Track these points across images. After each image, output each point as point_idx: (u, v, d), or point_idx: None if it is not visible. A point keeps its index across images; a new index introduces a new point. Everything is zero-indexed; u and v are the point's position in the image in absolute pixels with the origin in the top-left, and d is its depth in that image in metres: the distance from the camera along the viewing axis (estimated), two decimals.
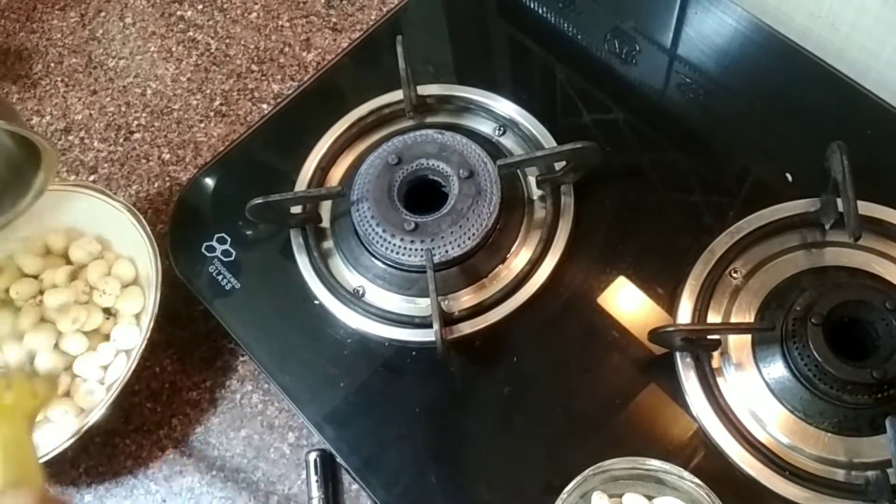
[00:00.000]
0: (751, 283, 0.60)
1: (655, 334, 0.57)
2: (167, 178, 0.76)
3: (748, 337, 0.58)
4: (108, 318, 0.67)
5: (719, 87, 0.70)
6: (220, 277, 0.66)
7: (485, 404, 0.60)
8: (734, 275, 0.60)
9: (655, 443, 0.56)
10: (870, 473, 0.53)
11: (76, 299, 0.66)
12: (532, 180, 0.65)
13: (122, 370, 0.63)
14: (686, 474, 0.51)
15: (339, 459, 0.59)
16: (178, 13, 0.85)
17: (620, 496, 0.52)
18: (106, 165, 0.78)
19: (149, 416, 0.66)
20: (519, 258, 0.62)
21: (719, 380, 0.57)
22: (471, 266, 0.62)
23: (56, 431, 0.63)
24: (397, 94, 0.69)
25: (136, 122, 0.80)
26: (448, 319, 0.60)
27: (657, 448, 0.56)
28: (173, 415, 0.66)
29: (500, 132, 0.68)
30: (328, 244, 0.65)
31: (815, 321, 0.53)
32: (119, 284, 0.67)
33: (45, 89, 0.83)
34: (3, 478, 0.51)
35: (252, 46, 0.82)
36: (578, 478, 0.51)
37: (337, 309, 0.62)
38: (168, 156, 0.77)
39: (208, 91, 0.80)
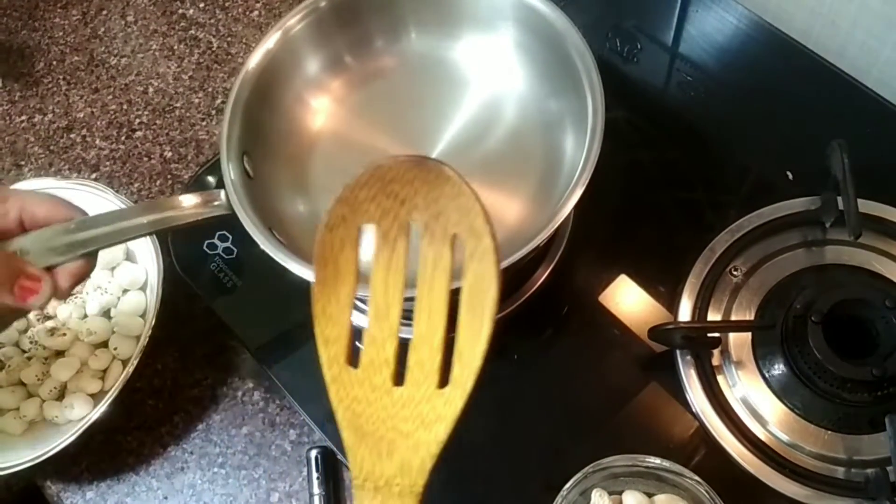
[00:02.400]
0: (751, 281, 0.60)
1: (656, 332, 0.57)
2: (169, 177, 0.76)
3: (748, 335, 0.58)
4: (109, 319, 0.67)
5: (720, 85, 0.70)
6: (221, 275, 0.66)
7: (485, 401, 0.60)
8: (734, 273, 0.60)
9: (655, 440, 0.56)
10: (869, 471, 0.53)
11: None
12: None
13: (123, 368, 0.64)
14: (686, 472, 0.51)
15: (340, 456, 0.59)
16: (180, 11, 0.85)
17: (620, 493, 0.52)
18: (108, 164, 0.78)
19: (150, 414, 0.66)
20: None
21: (719, 377, 0.57)
22: None
23: (57, 428, 0.63)
24: None
25: (137, 121, 0.80)
26: (450, 318, 0.60)
27: (657, 445, 0.56)
28: (175, 412, 0.66)
29: None
30: None
31: (815, 319, 0.53)
32: (121, 288, 0.68)
33: (46, 87, 0.83)
34: None
35: (253, 44, 0.82)
36: (578, 475, 0.51)
37: None
38: (170, 154, 0.77)
39: (210, 89, 0.80)
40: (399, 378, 0.37)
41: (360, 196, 0.38)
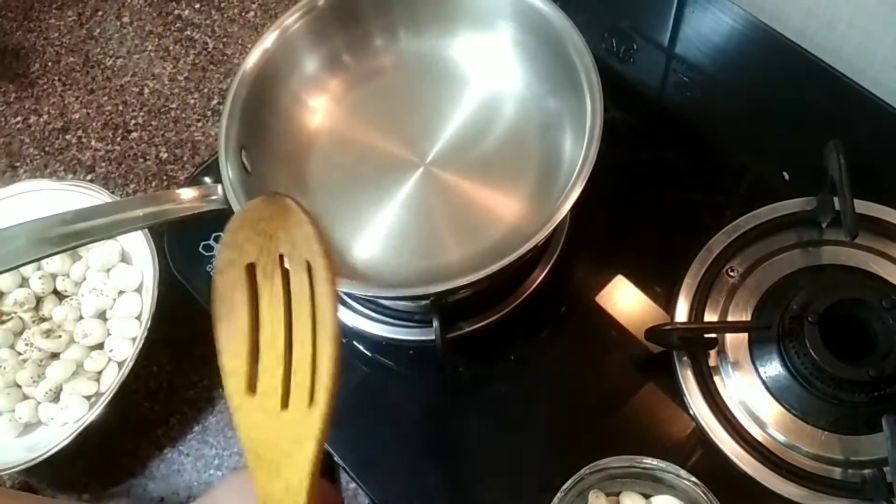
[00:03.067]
0: (748, 282, 0.60)
1: (652, 333, 0.57)
2: (164, 178, 0.76)
3: (745, 335, 0.58)
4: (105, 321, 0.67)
5: (717, 85, 0.70)
6: None
7: (482, 403, 0.60)
8: (731, 273, 0.60)
9: (652, 441, 0.56)
10: (866, 471, 0.53)
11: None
12: None
13: (119, 369, 0.63)
14: (683, 472, 0.51)
15: (336, 458, 0.59)
16: (176, 12, 0.85)
17: (617, 495, 0.52)
18: (103, 165, 0.77)
19: (146, 415, 0.66)
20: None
21: (716, 378, 0.57)
22: None
23: (53, 430, 0.63)
24: None
25: (133, 122, 0.79)
26: (447, 318, 0.60)
27: (654, 446, 0.56)
28: (171, 414, 0.66)
29: None
30: None
31: (811, 319, 0.53)
32: (117, 289, 0.67)
33: (42, 88, 0.82)
34: None
35: (249, 45, 0.82)
36: (575, 476, 0.51)
37: None
38: (165, 155, 0.77)
39: (206, 90, 0.80)
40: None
41: (240, 238, 0.40)
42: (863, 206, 0.59)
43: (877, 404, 0.53)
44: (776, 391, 0.56)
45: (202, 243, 0.67)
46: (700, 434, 0.56)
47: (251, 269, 0.40)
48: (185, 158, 0.77)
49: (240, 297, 0.40)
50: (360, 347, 0.62)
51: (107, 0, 0.87)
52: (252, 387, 0.39)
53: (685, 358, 0.57)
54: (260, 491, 0.38)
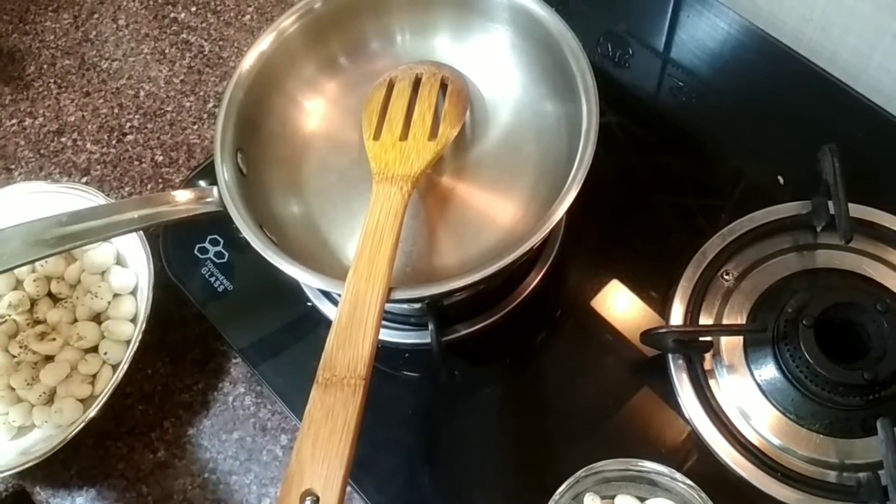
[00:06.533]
0: (742, 285, 0.60)
1: (647, 336, 0.57)
2: (160, 180, 0.76)
3: (740, 339, 0.58)
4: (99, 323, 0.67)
5: (712, 90, 0.70)
6: (212, 279, 0.66)
7: (478, 406, 0.60)
8: (726, 277, 0.60)
9: (648, 444, 0.56)
10: (861, 475, 0.53)
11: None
12: None
13: (113, 372, 0.63)
14: (678, 476, 0.51)
15: None
16: (172, 15, 0.85)
17: (612, 498, 0.52)
18: (98, 167, 0.77)
19: (141, 419, 0.66)
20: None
21: (711, 381, 0.57)
22: None
23: (47, 434, 0.63)
24: None
25: (128, 124, 0.79)
26: (443, 321, 0.60)
27: (649, 449, 0.56)
28: (165, 417, 0.66)
29: None
30: None
31: (806, 323, 0.54)
32: (111, 292, 0.67)
33: (37, 91, 0.82)
34: None
35: (245, 48, 0.82)
36: (570, 479, 0.51)
37: (329, 310, 0.62)
38: (161, 158, 0.77)
39: (202, 93, 0.80)
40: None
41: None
42: (857, 210, 0.60)
43: (872, 407, 0.53)
44: (771, 394, 0.56)
45: (197, 246, 0.67)
46: (695, 437, 0.56)
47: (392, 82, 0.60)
48: (180, 161, 0.77)
49: (380, 90, 0.60)
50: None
51: (103, 3, 0.87)
52: (378, 136, 0.57)
53: (680, 361, 0.58)
54: (380, 164, 0.55)
